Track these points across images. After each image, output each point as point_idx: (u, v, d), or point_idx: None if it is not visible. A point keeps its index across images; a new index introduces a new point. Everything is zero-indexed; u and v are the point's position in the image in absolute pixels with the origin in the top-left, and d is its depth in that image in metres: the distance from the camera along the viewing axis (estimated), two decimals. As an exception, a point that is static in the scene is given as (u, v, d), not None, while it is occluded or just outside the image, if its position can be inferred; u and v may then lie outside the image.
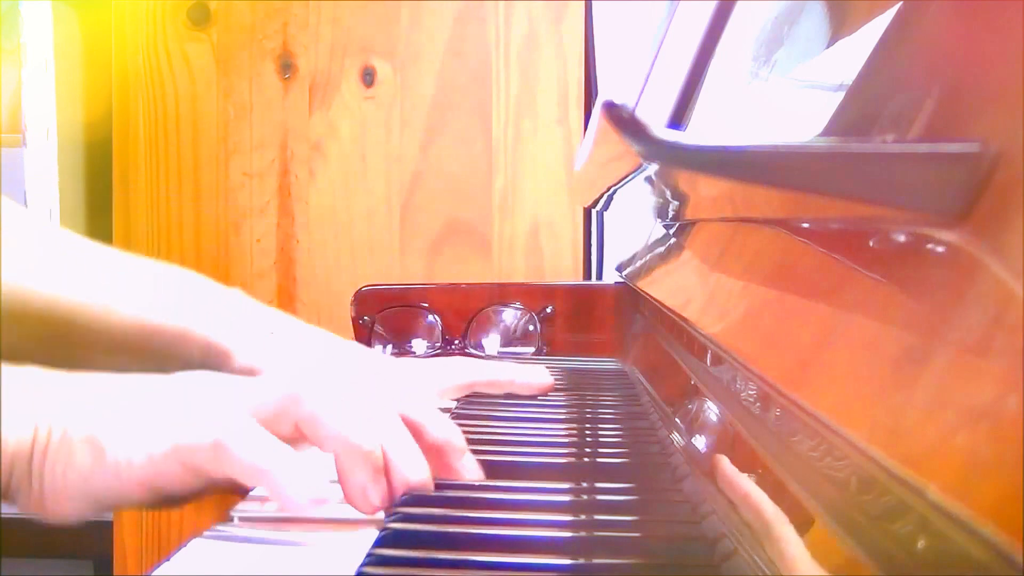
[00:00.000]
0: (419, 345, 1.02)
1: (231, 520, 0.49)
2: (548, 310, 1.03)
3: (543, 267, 1.35)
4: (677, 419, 0.58)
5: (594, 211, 1.34)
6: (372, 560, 0.41)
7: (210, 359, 0.63)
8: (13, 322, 0.61)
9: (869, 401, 0.27)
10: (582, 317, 1.05)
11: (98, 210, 1.46)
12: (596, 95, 1.35)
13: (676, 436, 0.56)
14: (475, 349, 1.01)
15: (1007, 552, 0.19)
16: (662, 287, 0.69)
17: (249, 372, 0.62)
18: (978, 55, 0.28)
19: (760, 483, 0.38)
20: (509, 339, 1.02)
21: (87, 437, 0.44)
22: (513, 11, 1.34)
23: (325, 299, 1.36)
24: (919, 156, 0.27)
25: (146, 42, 1.38)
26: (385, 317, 1.02)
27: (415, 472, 0.49)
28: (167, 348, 0.63)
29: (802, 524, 0.33)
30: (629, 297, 0.95)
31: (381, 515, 0.47)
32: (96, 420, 0.45)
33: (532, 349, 1.02)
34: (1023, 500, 0.18)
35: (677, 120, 0.62)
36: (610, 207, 0.82)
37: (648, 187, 0.57)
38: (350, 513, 0.47)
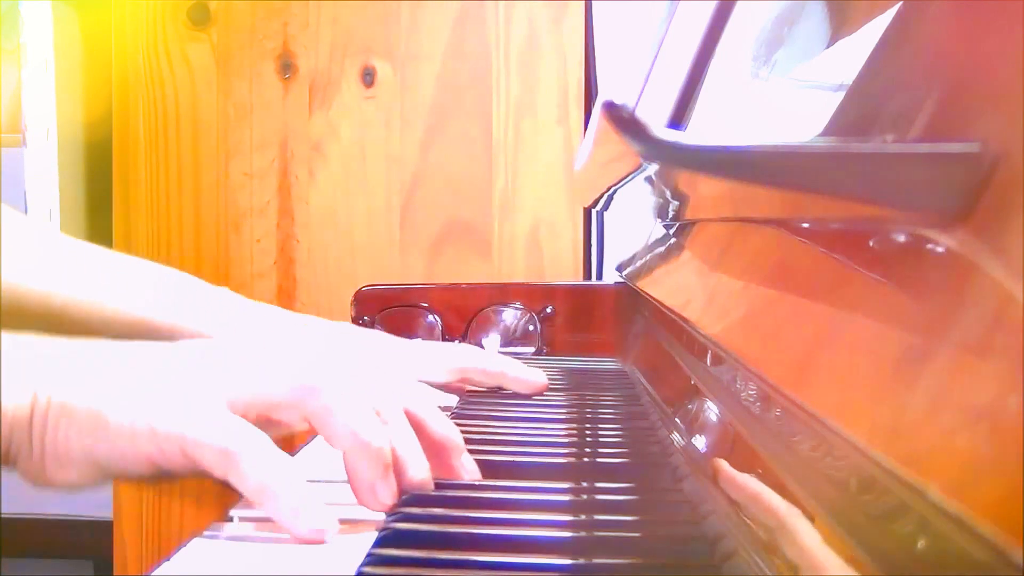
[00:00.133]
0: (419, 345, 1.02)
1: (231, 520, 0.49)
2: (548, 310, 1.03)
3: (543, 267, 1.35)
4: (677, 419, 0.58)
5: (594, 211, 1.34)
6: (372, 560, 0.41)
7: None
8: (9, 318, 0.61)
9: (869, 401, 0.27)
10: (582, 317, 1.05)
11: (98, 210, 1.46)
12: (596, 95, 1.35)
13: (676, 436, 0.56)
14: (475, 349, 1.01)
15: (1007, 552, 0.19)
16: (662, 287, 0.69)
17: None
18: (978, 55, 0.28)
19: (763, 482, 0.38)
20: (509, 339, 1.02)
21: (89, 405, 0.44)
22: (513, 11, 1.34)
23: (325, 299, 1.36)
24: (919, 156, 0.27)
25: (146, 42, 1.38)
26: (385, 317, 1.02)
27: (419, 471, 0.49)
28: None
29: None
30: (629, 297, 0.95)
31: (381, 515, 0.47)
32: (99, 389, 0.45)
33: (532, 349, 1.02)
34: (1023, 500, 0.18)
35: (677, 120, 0.62)
36: (610, 207, 0.82)
37: (648, 187, 0.57)
38: (350, 513, 0.47)
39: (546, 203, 1.34)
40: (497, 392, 0.75)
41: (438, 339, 1.01)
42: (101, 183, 1.45)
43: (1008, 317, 0.22)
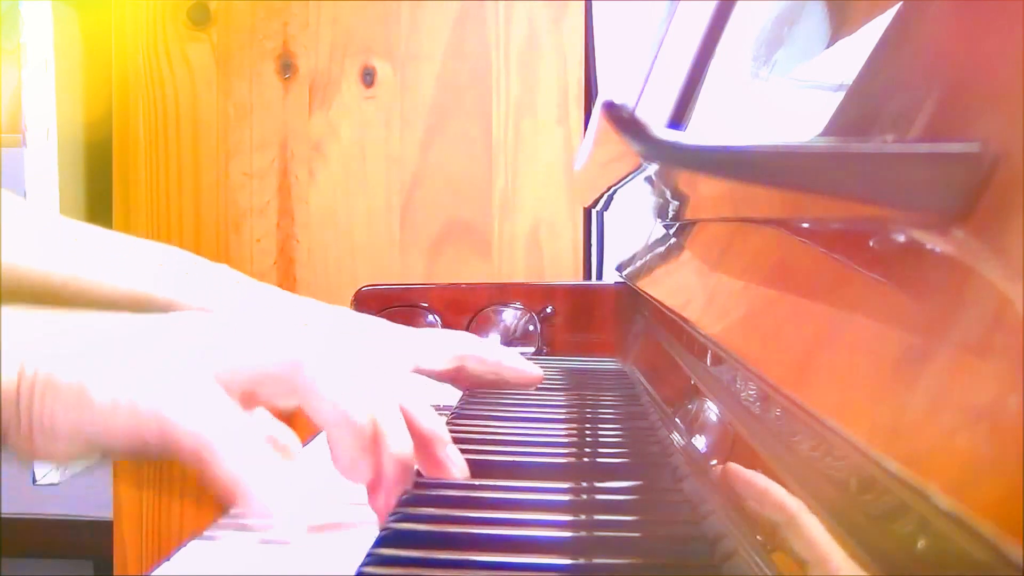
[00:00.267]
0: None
1: (232, 519, 0.49)
2: (548, 310, 1.03)
3: (543, 267, 1.35)
4: (677, 419, 0.58)
5: (594, 211, 1.34)
6: (372, 560, 0.41)
7: None
8: (9, 296, 0.61)
9: (869, 401, 0.27)
10: (582, 317, 1.05)
11: (98, 210, 1.46)
12: (596, 95, 1.35)
13: (676, 436, 0.56)
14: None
15: (1007, 552, 0.19)
16: (662, 287, 0.69)
17: None
18: (978, 55, 0.28)
19: (760, 482, 0.38)
20: (509, 339, 1.02)
21: (72, 379, 0.44)
22: (513, 11, 1.34)
23: (325, 299, 1.35)
24: (919, 156, 0.27)
25: (146, 42, 1.38)
26: (385, 317, 1.02)
27: (401, 446, 0.48)
28: None
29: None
30: (629, 297, 0.95)
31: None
32: (84, 362, 0.44)
33: (532, 349, 1.02)
34: (1023, 500, 0.18)
35: (677, 120, 0.62)
36: (610, 207, 0.82)
37: (648, 187, 0.57)
38: (350, 514, 0.47)
39: (546, 203, 1.35)
40: (497, 392, 0.75)
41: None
42: (101, 183, 1.45)
43: (1008, 317, 0.22)
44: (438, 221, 1.36)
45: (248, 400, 0.46)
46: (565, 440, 0.63)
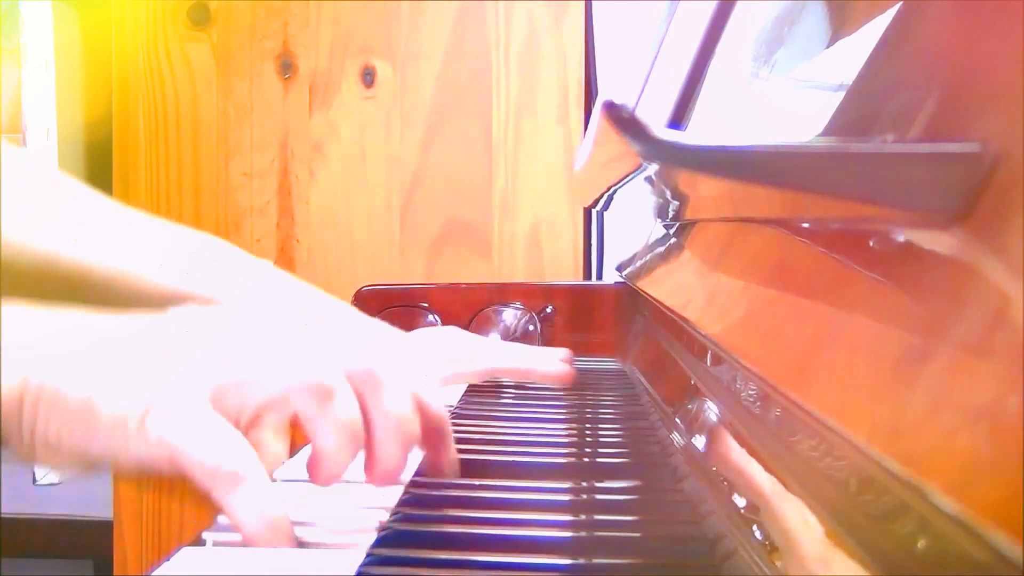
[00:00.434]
0: (419, 345, 1.02)
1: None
2: (548, 310, 1.03)
3: (543, 267, 1.35)
4: (677, 419, 0.58)
5: (594, 211, 1.34)
6: (372, 560, 0.41)
7: None
8: (9, 278, 0.60)
9: (869, 401, 0.27)
10: (582, 317, 1.05)
11: (98, 210, 1.46)
12: (596, 95, 1.35)
13: (676, 436, 0.56)
14: (475, 349, 1.01)
15: (1007, 552, 0.19)
16: (662, 287, 0.69)
17: None
18: (978, 55, 0.28)
19: (760, 482, 0.38)
20: (509, 339, 1.02)
21: (81, 395, 0.42)
22: (513, 11, 1.34)
23: (325, 299, 1.36)
24: (919, 156, 0.27)
25: (146, 42, 1.38)
26: (385, 317, 1.02)
27: (388, 467, 0.47)
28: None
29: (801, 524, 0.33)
30: (629, 297, 0.95)
31: (382, 515, 0.47)
32: (89, 376, 0.43)
33: (532, 349, 1.02)
34: (1023, 500, 0.18)
35: (677, 120, 0.62)
36: (610, 207, 0.82)
37: (648, 187, 0.57)
38: (351, 515, 0.47)
39: (546, 203, 1.34)
40: (497, 392, 0.75)
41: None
42: (101, 183, 1.44)
43: (1008, 317, 0.22)
44: (438, 221, 1.36)
45: (253, 422, 0.45)
46: (565, 440, 0.63)
